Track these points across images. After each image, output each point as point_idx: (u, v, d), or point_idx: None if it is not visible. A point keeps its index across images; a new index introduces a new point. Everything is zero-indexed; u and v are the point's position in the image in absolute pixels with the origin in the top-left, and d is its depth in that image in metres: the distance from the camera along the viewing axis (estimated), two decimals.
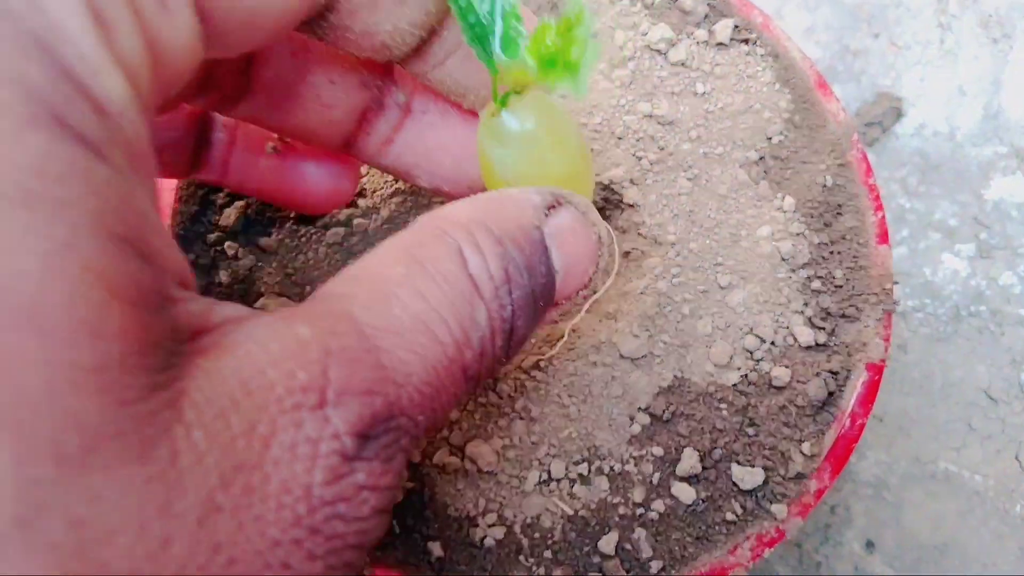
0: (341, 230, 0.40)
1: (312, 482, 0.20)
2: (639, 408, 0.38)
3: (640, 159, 0.41)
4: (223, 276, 0.39)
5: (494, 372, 0.28)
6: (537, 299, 0.27)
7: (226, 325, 0.21)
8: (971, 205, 0.62)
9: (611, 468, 0.37)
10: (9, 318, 0.15)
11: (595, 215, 0.30)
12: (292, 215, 0.40)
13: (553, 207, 0.28)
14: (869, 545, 0.56)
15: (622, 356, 0.39)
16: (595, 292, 0.30)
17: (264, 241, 0.40)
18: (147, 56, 0.20)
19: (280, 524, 0.19)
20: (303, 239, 0.40)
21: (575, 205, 0.29)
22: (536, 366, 0.38)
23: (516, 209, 0.27)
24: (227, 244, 0.39)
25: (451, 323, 0.24)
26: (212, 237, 0.40)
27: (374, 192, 0.41)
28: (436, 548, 0.36)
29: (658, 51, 0.43)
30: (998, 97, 0.64)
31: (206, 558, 0.18)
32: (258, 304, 0.37)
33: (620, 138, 0.41)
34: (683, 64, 0.43)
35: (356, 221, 0.41)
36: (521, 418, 0.38)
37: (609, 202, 0.42)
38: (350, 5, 0.25)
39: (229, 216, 0.40)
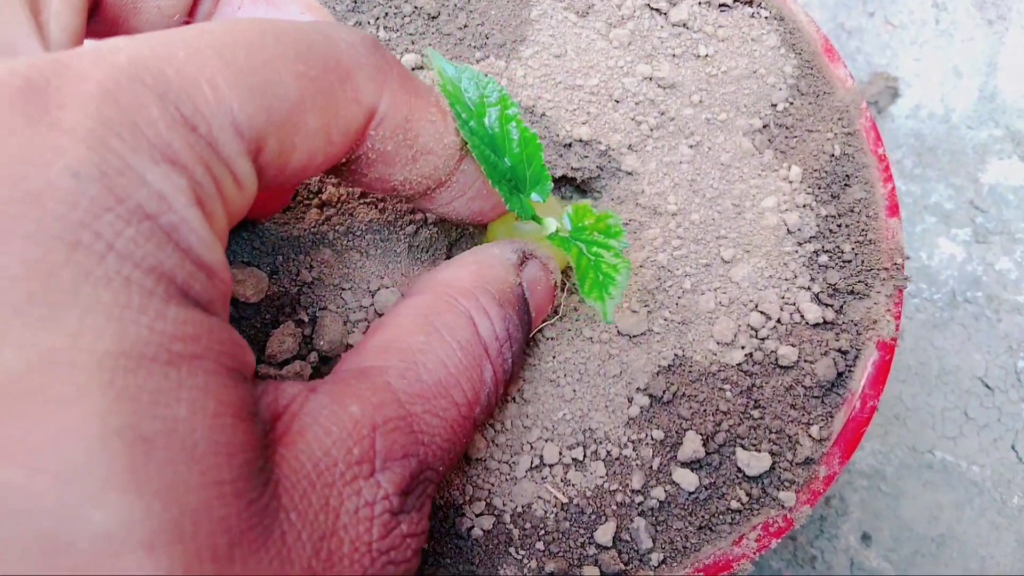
0: (315, 211, 0.37)
1: (372, 539, 0.25)
2: (637, 388, 0.35)
3: (639, 124, 0.39)
4: None
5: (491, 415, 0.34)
6: (524, 343, 0.32)
7: (291, 407, 0.26)
8: (967, 189, 0.60)
9: (608, 453, 0.35)
10: (173, 454, 0.20)
11: (552, 263, 0.34)
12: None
13: (524, 262, 0.33)
14: (865, 538, 0.54)
15: (619, 333, 0.36)
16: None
17: None
18: (227, 223, 0.25)
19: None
20: (276, 216, 0.37)
21: (539, 258, 0.34)
22: (530, 340, 0.35)
23: (502, 270, 0.32)
24: None
25: (465, 386, 0.29)
26: None
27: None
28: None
29: (658, 10, 0.40)
30: (994, 79, 0.62)
31: None
32: None
33: (618, 101, 0.39)
34: (684, 25, 0.40)
35: (328, 190, 0.37)
36: (512, 400, 0.35)
37: (605, 170, 0.39)
38: (368, 160, 0.29)
39: None
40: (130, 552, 0.19)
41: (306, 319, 0.35)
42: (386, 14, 0.38)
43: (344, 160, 0.29)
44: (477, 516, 0.34)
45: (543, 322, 0.35)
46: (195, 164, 0.23)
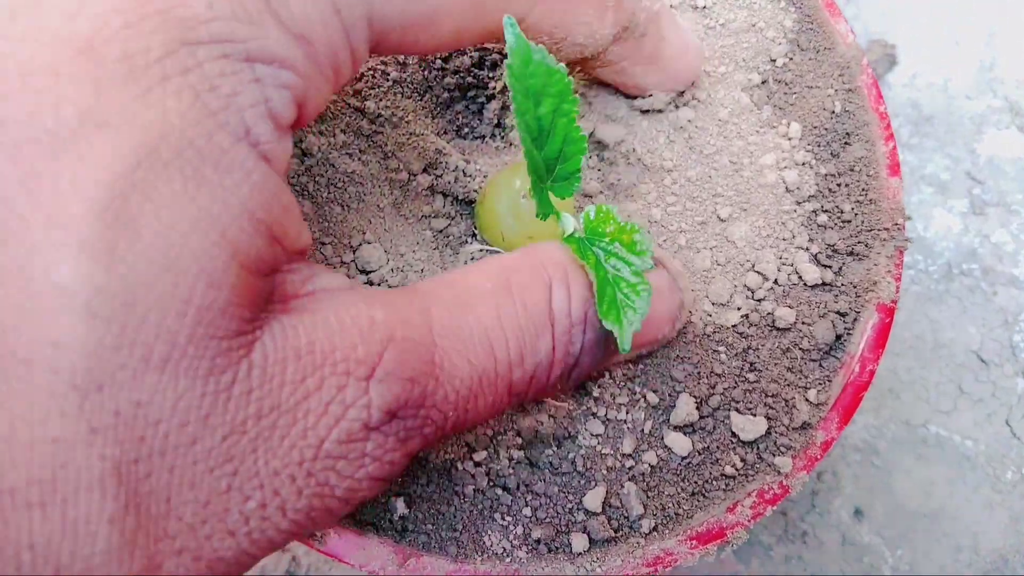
0: (295, 161, 0.35)
1: (326, 436, 0.23)
2: None
3: None
4: None
5: (547, 396, 0.32)
6: (610, 343, 0.30)
7: (319, 293, 0.25)
8: (964, 160, 0.59)
9: (605, 414, 0.33)
10: (155, 255, 0.20)
11: (684, 281, 0.33)
12: None
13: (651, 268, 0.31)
14: (857, 513, 0.53)
15: None
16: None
17: None
18: (327, 99, 0.26)
19: (284, 460, 0.23)
20: None
21: (670, 270, 0.32)
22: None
23: None
24: None
25: (511, 344, 0.27)
26: None
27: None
28: (399, 505, 0.32)
29: None
30: (992, 49, 0.61)
31: (218, 463, 0.22)
32: None
33: None
34: None
35: (309, 139, 0.35)
36: None
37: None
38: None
39: None
40: (71, 313, 0.19)
41: None
42: None
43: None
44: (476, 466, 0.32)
45: (657, 343, 0.33)
46: (321, 44, 0.24)
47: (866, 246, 0.36)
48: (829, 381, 0.35)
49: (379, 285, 0.34)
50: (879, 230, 0.36)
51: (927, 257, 0.57)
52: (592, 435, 0.33)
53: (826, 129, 0.38)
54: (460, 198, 0.36)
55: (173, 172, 0.21)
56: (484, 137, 0.39)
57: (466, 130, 0.39)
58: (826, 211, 0.37)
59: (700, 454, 0.33)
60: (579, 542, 0.32)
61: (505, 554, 0.32)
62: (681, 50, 0.35)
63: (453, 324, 0.27)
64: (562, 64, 0.27)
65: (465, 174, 0.36)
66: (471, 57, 0.37)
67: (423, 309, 0.26)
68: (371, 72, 0.36)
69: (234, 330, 0.22)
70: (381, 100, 0.36)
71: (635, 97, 0.37)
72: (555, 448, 0.33)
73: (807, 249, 0.36)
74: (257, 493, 0.23)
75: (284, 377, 0.23)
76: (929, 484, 0.53)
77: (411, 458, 0.27)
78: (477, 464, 0.33)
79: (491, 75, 0.38)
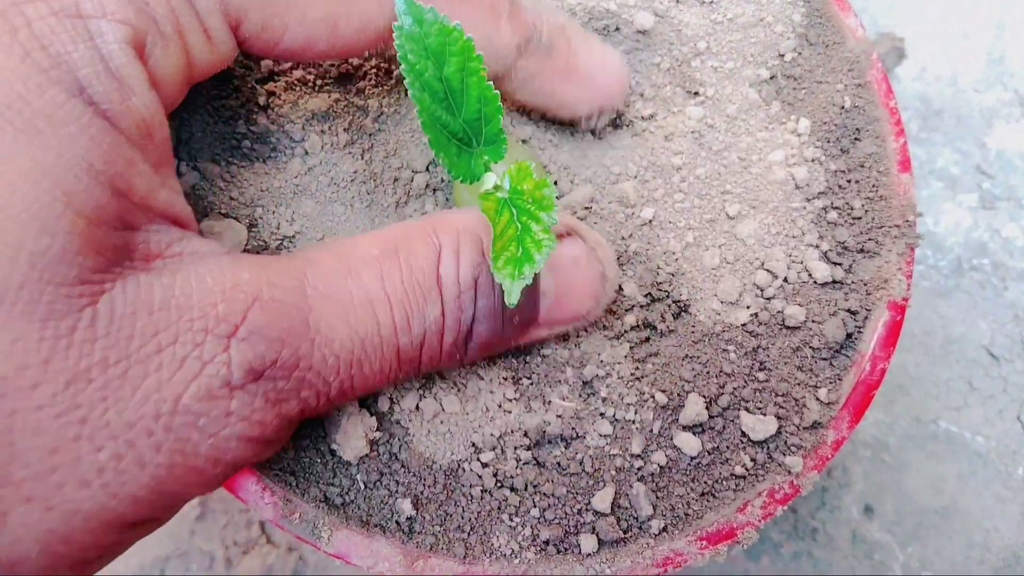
0: (298, 161, 0.35)
1: (183, 392, 0.23)
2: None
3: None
4: None
5: (448, 365, 0.30)
6: (511, 314, 0.29)
7: (186, 255, 0.25)
8: (973, 153, 0.58)
9: (614, 415, 0.33)
10: None
11: (605, 252, 0.31)
12: (242, 132, 0.35)
13: (563, 236, 0.30)
14: (868, 510, 0.52)
15: None
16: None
17: (207, 167, 0.34)
18: (183, 67, 0.26)
19: (137, 412, 0.23)
20: (256, 166, 0.35)
21: (588, 240, 0.31)
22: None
23: None
24: None
25: (395, 308, 0.27)
26: None
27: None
28: (406, 506, 0.32)
29: None
30: (1002, 42, 0.60)
31: (64, 409, 0.22)
32: (203, 225, 0.32)
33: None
34: None
35: (312, 139, 0.35)
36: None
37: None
38: None
39: None
40: None
41: None
42: None
43: (378, 52, 0.30)
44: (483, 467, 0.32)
45: (580, 319, 0.32)
46: (158, 4, 0.25)
47: (877, 243, 0.36)
48: (840, 380, 0.34)
49: None
50: (890, 227, 0.36)
51: (936, 252, 0.57)
52: (600, 435, 0.33)
53: (836, 125, 0.37)
54: None
55: (3, 123, 0.22)
56: None
57: None
58: (836, 208, 0.36)
59: (710, 454, 0.33)
60: (588, 543, 0.32)
61: (513, 555, 0.32)
62: (600, 64, 0.34)
63: (332, 288, 0.26)
64: (457, 22, 0.27)
65: None
66: None
67: (299, 273, 0.26)
68: (374, 70, 0.36)
69: (74, 277, 0.22)
70: (384, 98, 0.36)
71: (574, 124, 0.36)
72: (563, 448, 0.33)
73: (817, 246, 0.36)
74: (110, 443, 0.23)
75: (133, 330, 0.23)
76: (940, 481, 0.53)
77: (292, 422, 0.27)
78: (484, 465, 0.32)
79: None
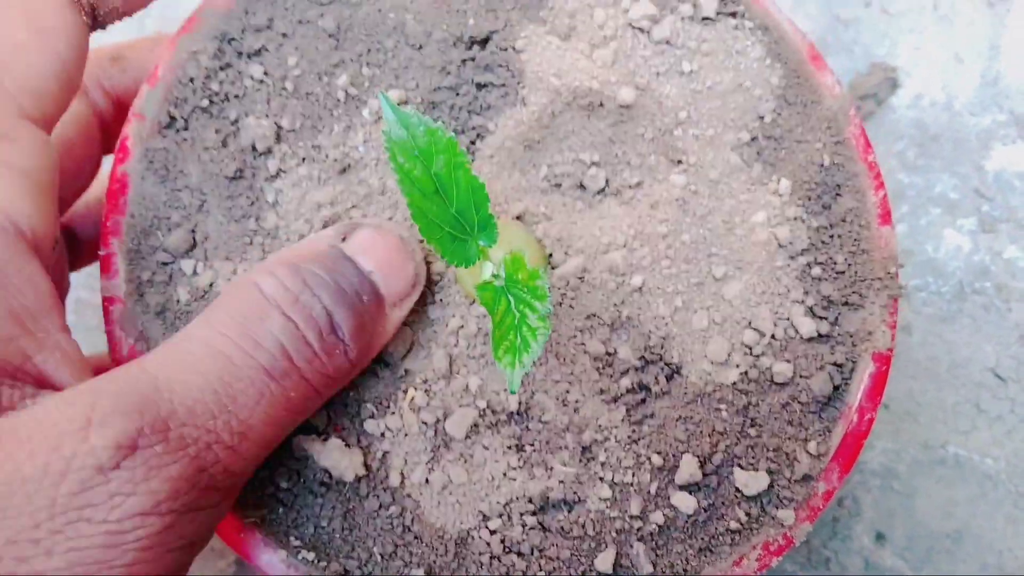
0: None
1: (57, 494, 0.24)
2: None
3: None
4: (181, 293, 0.36)
5: (345, 365, 0.31)
6: (358, 295, 0.31)
7: (34, 408, 0.26)
8: (971, 177, 0.59)
9: (612, 478, 0.35)
10: None
11: (390, 226, 0.34)
12: (253, 229, 0.37)
13: (347, 233, 0.33)
14: (879, 537, 0.54)
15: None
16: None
17: (221, 266, 0.36)
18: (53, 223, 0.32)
19: (17, 527, 0.23)
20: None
21: (367, 225, 0.33)
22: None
23: (311, 243, 0.32)
24: (182, 262, 0.36)
25: (233, 335, 0.28)
26: (165, 254, 0.36)
27: None
28: (419, 575, 0.34)
29: (640, 29, 0.40)
30: (996, 63, 0.61)
31: None
32: None
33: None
34: (667, 42, 0.40)
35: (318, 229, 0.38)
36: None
37: (588, 189, 0.39)
38: None
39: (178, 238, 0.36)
40: None
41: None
42: (368, 50, 0.38)
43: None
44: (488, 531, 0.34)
45: (415, 284, 0.34)
46: None
47: (860, 296, 0.37)
48: (829, 432, 0.36)
49: None
50: (872, 279, 0.38)
51: (938, 278, 0.58)
52: (600, 499, 0.35)
53: (816, 183, 0.39)
54: None
55: None
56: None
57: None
58: (819, 263, 0.38)
59: (705, 511, 0.35)
60: None
61: None
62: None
63: (169, 354, 0.28)
64: (438, 122, 0.30)
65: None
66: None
67: (136, 362, 0.28)
68: (374, 161, 0.38)
69: None
70: (387, 179, 0.38)
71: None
72: (566, 512, 0.35)
73: (802, 302, 0.37)
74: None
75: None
76: (951, 505, 0.54)
77: (190, 480, 0.26)
78: (492, 532, 0.34)
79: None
